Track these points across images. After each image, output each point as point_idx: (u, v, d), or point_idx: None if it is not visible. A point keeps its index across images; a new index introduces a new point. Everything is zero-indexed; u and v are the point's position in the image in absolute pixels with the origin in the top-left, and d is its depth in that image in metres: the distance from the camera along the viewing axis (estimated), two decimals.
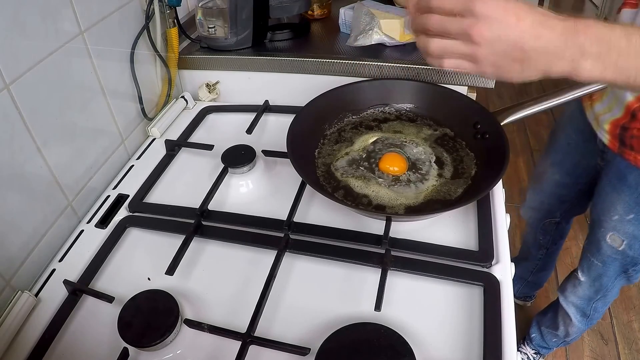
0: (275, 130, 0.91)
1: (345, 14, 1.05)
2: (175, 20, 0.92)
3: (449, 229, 0.68)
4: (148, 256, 0.68)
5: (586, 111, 0.96)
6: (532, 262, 1.41)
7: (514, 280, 1.22)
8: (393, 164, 0.74)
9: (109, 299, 0.60)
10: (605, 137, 0.90)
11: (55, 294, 0.63)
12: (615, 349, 1.45)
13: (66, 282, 0.62)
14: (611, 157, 0.91)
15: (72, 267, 0.66)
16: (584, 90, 0.76)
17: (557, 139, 1.11)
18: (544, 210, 1.26)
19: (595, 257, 1.02)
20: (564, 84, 0.64)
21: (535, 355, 1.40)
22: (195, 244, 0.68)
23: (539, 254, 1.38)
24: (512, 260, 0.64)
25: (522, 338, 1.42)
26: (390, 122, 0.85)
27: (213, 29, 0.96)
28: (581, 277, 1.08)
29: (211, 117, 0.97)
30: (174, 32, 0.91)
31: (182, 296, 0.61)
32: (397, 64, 0.91)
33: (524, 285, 1.51)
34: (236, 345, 0.54)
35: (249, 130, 0.87)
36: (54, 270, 0.66)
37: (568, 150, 1.08)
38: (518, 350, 1.35)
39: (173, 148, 0.86)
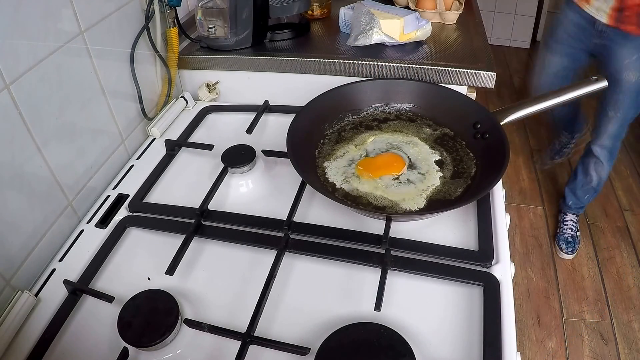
0: (275, 130, 0.91)
1: (345, 13, 1.05)
2: (175, 20, 0.92)
3: (449, 229, 0.68)
4: (148, 256, 0.68)
5: (584, 9, 1.36)
6: (565, 118, 1.84)
7: (558, 131, 1.91)
8: (391, 164, 0.74)
9: (109, 298, 0.60)
10: (604, 18, 1.32)
11: (55, 294, 0.63)
12: (615, 349, 1.45)
13: (66, 282, 0.62)
14: (611, 31, 1.33)
15: (72, 267, 0.66)
16: (583, 91, 0.77)
17: (556, 32, 1.51)
18: (555, 85, 1.53)
19: (618, 93, 1.41)
20: None
21: (576, 218, 1.80)
22: (195, 243, 0.68)
23: (565, 110, 1.78)
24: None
25: (560, 210, 1.85)
26: (390, 121, 0.85)
27: (213, 29, 0.96)
28: (611, 113, 1.47)
29: (211, 117, 0.97)
30: (174, 32, 0.92)
31: (182, 296, 0.61)
32: (397, 63, 0.91)
33: (568, 132, 1.89)
34: (236, 345, 0.54)
35: (249, 130, 0.87)
36: (54, 270, 0.66)
37: (566, 39, 1.49)
38: (564, 221, 1.80)
39: (173, 148, 0.87)
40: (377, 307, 0.55)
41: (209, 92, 1.01)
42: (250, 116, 0.91)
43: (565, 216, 1.81)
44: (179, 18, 0.94)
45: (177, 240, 0.66)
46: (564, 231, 1.78)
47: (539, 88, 1.64)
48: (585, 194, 1.71)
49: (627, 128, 1.52)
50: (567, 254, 1.73)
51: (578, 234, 1.79)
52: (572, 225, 1.78)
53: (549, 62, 1.58)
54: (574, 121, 1.84)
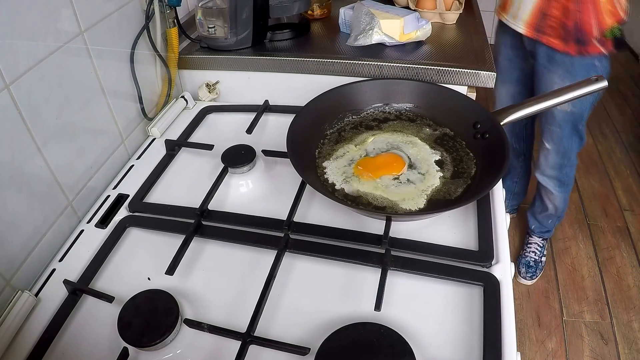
0: (275, 130, 0.91)
1: (345, 13, 1.05)
2: (175, 20, 0.92)
3: (448, 229, 0.68)
4: (148, 256, 0.68)
5: (504, 21, 1.24)
6: (515, 172, 1.68)
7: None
8: (391, 164, 0.74)
9: (109, 298, 0.60)
10: (522, 29, 1.18)
11: (55, 294, 0.63)
12: (615, 349, 1.45)
13: (66, 282, 0.62)
14: (537, 49, 1.19)
15: (72, 267, 0.66)
16: (582, 91, 0.77)
17: (499, 62, 1.38)
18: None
19: (553, 125, 1.30)
20: None
21: (542, 242, 1.68)
22: (195, 243, 0.68)
23: (519, 162, 1.65)
24: None
25: (526, 233, 1.72)
26: (390, 121, 0.85)
27: (213, 29, 0.96)
28: (547, 145, 1.36)
29: (211, 117, 0.97)
30: (174, 32, 0.92)
31: (182, 296, 0.61)
32: (397, 63, 0.91)
33: (511, 198, 1.77)
34: (236, 345, 0.54)
35: (249, 130, 0.87)
36: (54, 270, 0.66)
37: (509, 65, 1.36)
38: (527, 244, 1.69)
39: (173, 148, 0.87)
40: (377, 307, 0.55)
41: (209, 92, 1.01)
42: (250, 116, 0.91)
43: (530, 238, 1.69)
44: (179, 18, 0.94)
45: (177, 240, 0.66)
46: (526, 254, 1.67)
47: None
48: (547, 219, 1.61)
49: (575, 157, 1.39)
50: (526, 279, 1.63)
51: (543, 259, 1.67)
52: (536, 249, 1.66)
53: (500, 94, 1.45)
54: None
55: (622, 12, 1.09)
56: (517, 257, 1.69)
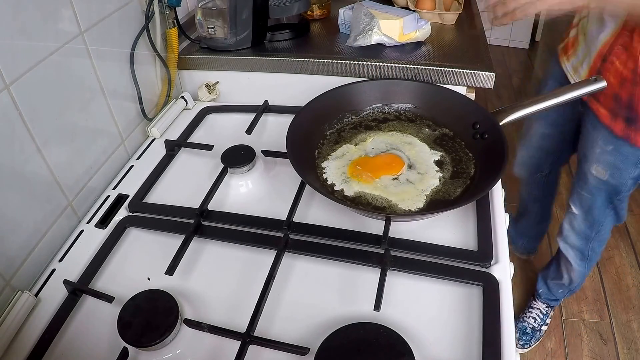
0: (274, 131, 0.91)
1: (344, 14, 1.05)
2: (175, 21, 0.92)
3: (448, 229, 0.68)
4: (148, 256, 0.68)
5: (562, 65, 1.07)
6: (531, 216, 1.51)
7: (518, 236, 1.49)
8: (390, 164, 0.75)
9: (108, 298, 0.60)
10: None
11: (55, 294, 0.63)
12: (614, 348, 1.45)
13: (66, 282, 0.62)
14: (586, 110, 1.03)
15: (72, 267, 0.66)
16: (582, 91, 0.77)
17: (542, 91, 1.18)
18: (534, 165, 1.35)
19: (584, 190, 1.12)
20: None
21: (547, 309, 1.49)
22: (195, 244, 0.68)
23: (535, 207, 1.49)
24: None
25: (532, 295, 1.52)
26: (389, 122, 0.85)
27: (213, 30, 0.96)
28: (574, 209, 1.18)
29: (211, 117, 0.97)
30: (173, 32, 0.92)
31: (181, 296, 0.61)
32: (396, 64, 0.92)
33: (527, 241, 1.61)
34: (236, 345, 0.54)
35: (249, 131, 0.87)
36: (54, 270, 0.66)
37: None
38: (530, 307, 1.50)
39: (173, 148, 0.87)
40: (377, 307, 0.55)
41: (209, 92, 1.01)
42: (250, 116, 0.91)
43: (534, 302, 1.49)
44: (179, 19, 0.95)
45: (176, 240, 0.66)
46: (525, 318, 1.48)
47: (519, 162, 1.37)
48: (558, 288, 1.41)
49: (608, 232, 1.19)
50: (518, 346, 1.43)
51: (543, 328, 1.46)
52: (538, 315, 1.47)
53: (532, 130, 1.27)
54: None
55: None
56: (516, 318, 1.48)
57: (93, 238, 0.71)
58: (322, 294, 0.62)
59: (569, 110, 1.10)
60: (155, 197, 0.78)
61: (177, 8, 0.90)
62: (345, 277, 0.63)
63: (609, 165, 1.02)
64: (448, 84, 0.90)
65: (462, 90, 0.91)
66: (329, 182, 0.74)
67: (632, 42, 0.87)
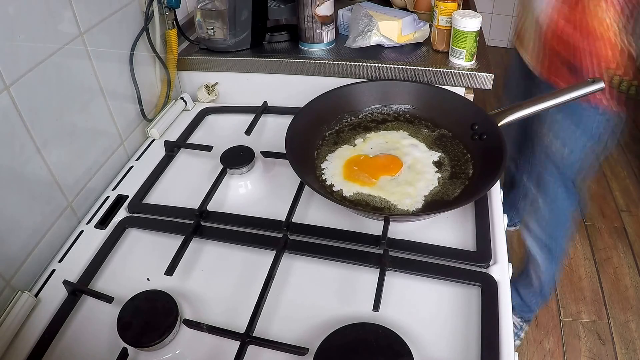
0: (274, 131, 0.91)
1: (343, 15, 1.05)
2: (175, 22, 0.92)
3: (446, 230, 0.69)
4: (147, 257, 0.69)
5: (522, 56, 1.13)
6: (518, 188, 1.50)
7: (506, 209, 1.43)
8: (389, 165, 0.75)
9: (108, 299, 0.60)
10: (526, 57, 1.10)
11: (55, 294, 0.63)
12: (613, 349, 1.46)
13: (66, 283, 0.62)
14: (542, 83, 1.06)
15: (72, 267, 0.67)
16: (580, 92, 0.77)
17: (510, 85, 1.30)
18: (516, 141, 1.37)
19: (538, 166, 1.17)
20: None
21: (522, 324, 1.46)
22: (195, 244, 0.68)
23: (523, 179, 1.49)
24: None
25: None
26: (388, 122, 0.86)
27: (212, 31, 0.96)
28: (533, 190, 1.22)
29: (210, 118, 0.98)
30: (173, 33, 0.92)
31: (181, 296, 0.61)
32: (395, 65, 0.92)
33: (515, 213, 1.63)
34: (235, 345, 0.54)
35: (248, 132, 0.87)
36: (53, 270, 0.67)
37: (518, 91, 1.24)
38: None
39: (172, 149, 0.87)
40: (376, 307, 0.56)
41: (208, 93, 1.01)
42: (249, 117, 0.91)
43: None
44: (178, 20, 0.95)
45: (176, 241, 0.66)
46: None
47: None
48: (530, 296, 1.37)
49: (571, 224, 1.21)
50: None
51: (515, 343, 1.41)
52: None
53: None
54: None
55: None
56: None
57: (93, 238, 0.71)
58: (321, 295, 0.62)
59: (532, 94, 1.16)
60: (154, 197, 0.78)
61: (176, 9, 0.90)
62: (344, 278, 0.64)
63: (569, 139, 1.08)
64: (447, 85, 0.90)
65: (460, 91, 0.91)
66: (327, 183, 0.74)
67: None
